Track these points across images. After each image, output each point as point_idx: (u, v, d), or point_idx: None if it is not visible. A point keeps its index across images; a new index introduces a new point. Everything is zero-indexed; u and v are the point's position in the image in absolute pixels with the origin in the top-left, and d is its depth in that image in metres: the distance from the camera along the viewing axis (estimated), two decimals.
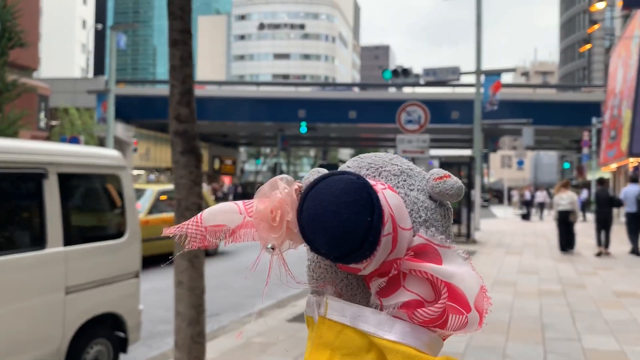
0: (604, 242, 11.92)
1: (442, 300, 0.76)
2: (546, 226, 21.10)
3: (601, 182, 13.02)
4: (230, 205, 0.85)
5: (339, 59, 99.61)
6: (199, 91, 48.38)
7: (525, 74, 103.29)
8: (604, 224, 11.98)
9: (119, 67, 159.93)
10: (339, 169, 0.85)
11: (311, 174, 0.84)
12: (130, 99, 44.37)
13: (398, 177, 0.85)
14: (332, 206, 0.74)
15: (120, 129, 42.70)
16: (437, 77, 20.11)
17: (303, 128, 42.45)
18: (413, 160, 11.92)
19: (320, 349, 0.82)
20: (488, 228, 19.76)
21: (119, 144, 43.48)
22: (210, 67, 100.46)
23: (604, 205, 12.16)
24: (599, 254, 11.74)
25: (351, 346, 0.79)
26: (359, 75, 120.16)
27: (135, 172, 46.67)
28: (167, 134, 34.61)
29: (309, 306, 0.86)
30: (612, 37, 34.55)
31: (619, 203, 12.27)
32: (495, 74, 20.07)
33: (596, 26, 22.38)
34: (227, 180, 59.58)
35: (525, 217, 26.02)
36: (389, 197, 0.77)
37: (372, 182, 0.79)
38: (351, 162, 0.90)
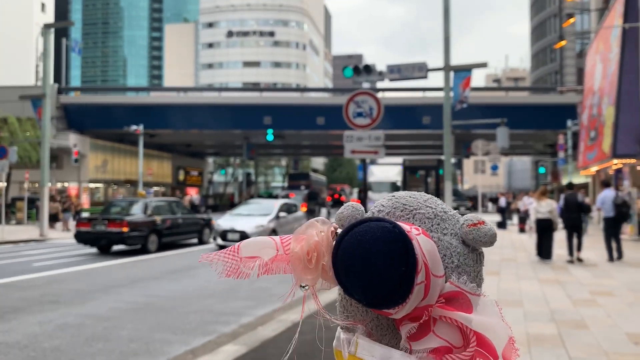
0: (576, 246, 11.60)
1: (471, 348, 0.77)
2: (524, 236, 19.32)
3: (570, 186, 12.51)
4: (267, 239, 0.89)
5: (310, 66, 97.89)
6: (160, 98, 45.88)
7: (497, 80, 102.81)
8: (574, 230, 11.65)
9: (87, 79, 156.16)
10: (374, 212, 0.88)
11: (345, 208, 0.86)
12: (84, 108, 41.67)
13: (432, 221, 0.86)
14: (368, 255, 0.76)
15: (73, 140, 40.02)
16: (402, 74, 18.23)
17: (270, 136, 40.26)
18: (364, 162, 9.89)
19: None
20: None
21: (71, 155, 40.83)
22: (178, 75, 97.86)
23: (573, 211, 11.68)
24: (570, 261, 11.43)
25: None
26: (331, 83, 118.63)
27: (92, 185, 43.88)
28: (125, 144, 32.18)
29: (338, 340, 0.88)
30: (587, 35, 33.35)
31: (587, 209, 11.92)
32: (465, 69, 18.27)
33: (572, 20, 20.89)
34: (193, 192, 56.81)
35: (501, 225, 24.28)
36: (422, 244, 0.78)
37: (406, 226, 0.81)
38: (386, 201, 0.90)
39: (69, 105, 41.22)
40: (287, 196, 28.44)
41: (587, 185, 30.08)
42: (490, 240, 0.87)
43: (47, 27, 22.66)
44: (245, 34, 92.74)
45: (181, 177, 56.16)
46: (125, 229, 14.38)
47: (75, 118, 41.17)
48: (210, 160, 66.75)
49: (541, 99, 42.00)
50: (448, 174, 17.87)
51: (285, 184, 61.02)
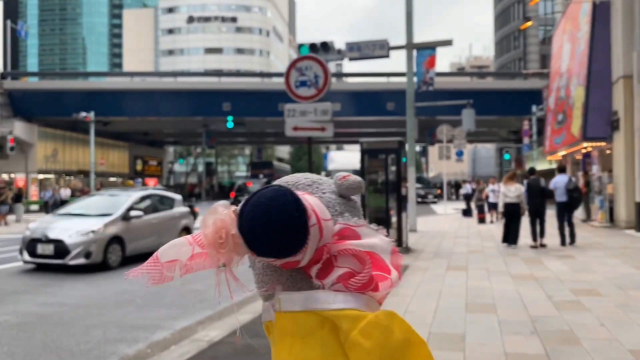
0: (539, 233, 11.46)
1: (367, 267, 0.92)
2: (492, 226, 18.38)
3: (532, 172, 12.43)
4: (180, 239, 1.00)
5: (274, 53, 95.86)
6: (113, 84, 43.59)
7: (461, 69, 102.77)
8: (537, 215, 11.53)
9: (45, 67, 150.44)
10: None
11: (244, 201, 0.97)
12: (31, 94, 39.14)
13: (311, 186, 1.02)
14: (265, 213, 0.88)
15: (19, 128, 37.62)
16: (363, 52, 16.98)
17: (230, 123, 38.54)
18: (310, 139, 8.44)
19: (281, 340, 0.97)
20: (426, 228, 16.82)
21: (20, 145, 38.40)
22: (136, 62, 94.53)
23: (536, 196, 11.64)
24: (534, 247, 11.34)
25: (307, 327, 0.94)
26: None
27: (41, 176, 41.46)
28: (78, 132, 30.00)
29: (265, 311, 1.01)
30: (550, 22, 32.69)
31: (550, 193, 12.01)
32: (429, 47, 17.09)
33: None
34: (153, 183, 54.52)
35: (466, 212, 23.40)
36: (308, 198, 0.94)
37: None
38: (272, 184, 1.02)
39: (14, 91, 38.72)
40: (244, 185, 26.87)
41: (553, 172, 29.44)
42: (358, 186, 1.02)
43: None
44: (207, 19, 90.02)
45: (139, 167, 53.95)
46: None
47: (21, 105, 38.70)
48: (170, 149, 64.52)
49: (506, 84, 41.39)
50: (412, 159, 16.75)
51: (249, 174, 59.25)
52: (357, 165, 26.12)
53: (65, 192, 26.89)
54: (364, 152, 11.31)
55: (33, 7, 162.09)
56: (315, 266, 0.93)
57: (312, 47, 17.34)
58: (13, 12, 71.22)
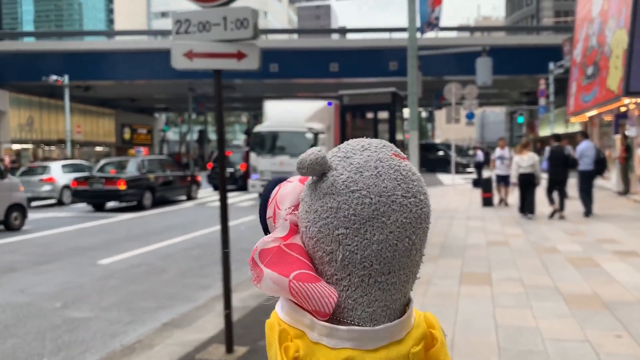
0: (558, 204, 10.77)
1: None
2: (511, 199, 15.22)
3: (557, 138, 11.69)
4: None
5: (272, 13, 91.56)
6: (94, 44, 40.17)
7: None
8: (558, 185, 10.81)
9: None
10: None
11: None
12: (2, 57, 35.95)
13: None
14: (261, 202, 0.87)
15: None
16: None
17: None
18: (218, 74, 5.01)
19: None
20: (431, 203, 13.75)
21: None
22: (128, 25, 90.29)
23: (558, 165, 10.88)
24: (552, 215, 10.72)
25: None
26: (296, 34, 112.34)
27: (16, 146, 38.51)
28: (57, 99, 26.69)
29: None
30: None
31: (574, 163, 11.16)
32: None
33: None
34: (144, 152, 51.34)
35: (478, 183, 20.30)
36: (290, 185, 0.84)
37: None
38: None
39: None
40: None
41: (572, 137, 26.19)
42: (309, 164, 0.75)
43: None
44: None
45: (127, 135, 50.82)
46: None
47: None
48: (163, 117, 61.28)
49: (519, 40, 37.71)
50: (413, 121, 13.57)
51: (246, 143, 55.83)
52: (301, 123, 14.09)
53: None
54: (345, 108, 8.31)
55: None
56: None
57: None
58: None
